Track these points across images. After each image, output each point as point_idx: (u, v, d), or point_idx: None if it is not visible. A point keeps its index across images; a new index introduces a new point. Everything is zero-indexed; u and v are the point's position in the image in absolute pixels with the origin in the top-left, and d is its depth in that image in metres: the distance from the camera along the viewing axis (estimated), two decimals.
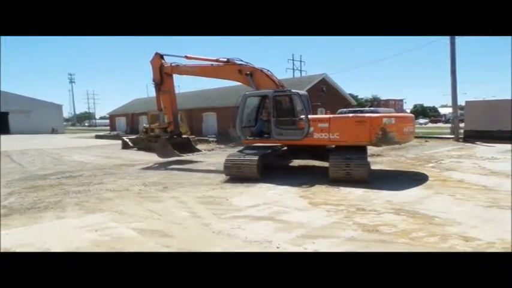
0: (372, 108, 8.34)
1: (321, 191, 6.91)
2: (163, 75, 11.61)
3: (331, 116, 8.38)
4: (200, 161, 12.40)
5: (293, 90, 8.95)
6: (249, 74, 9.71)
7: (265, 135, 9.22)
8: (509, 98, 17.63)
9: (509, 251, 3.74)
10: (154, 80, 11.88)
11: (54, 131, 46.52)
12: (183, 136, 13.26)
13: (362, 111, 8.11)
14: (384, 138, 7.71)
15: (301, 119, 8.48)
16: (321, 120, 8.35)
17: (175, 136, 12.28)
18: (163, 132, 12.55)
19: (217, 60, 10.59)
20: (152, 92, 16.28)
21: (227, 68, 10.38)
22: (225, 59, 10.39)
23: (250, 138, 9.51)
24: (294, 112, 8.75)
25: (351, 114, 8.01)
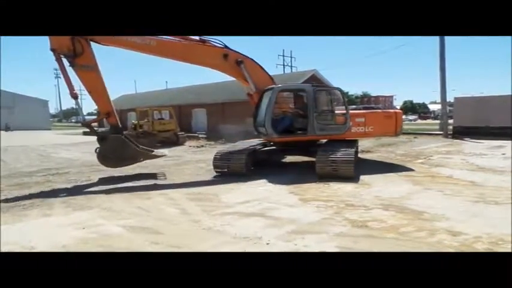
0: (381, 105, 9.30)
1: (311, 187, 6.92)
2: (77, 43, 7.05)
3: (366, 111, 9.48)
4: (189, 158, 12.31)
5: (334, 86, 9.82)
6: (241, 62, 8.39)
7: (299, 132, 8.83)
8: (497, 95, 17.95)
9: (505, 250, 3.73)
10: (55, 50, 7.00)
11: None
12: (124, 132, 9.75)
13: (373, 108, 9.15)
14: (402, 130, 8.94)
15: (344, 114, 8.77)
16: (358, 115, 8.95)
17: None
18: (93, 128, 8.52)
19: (186, 39, 8.01)
20: (141, 88, 14.87)
21: (207, 50, 8.20)
22: (197, 38, 8.04)
23: (282, 135, 8.75)
24: (332, 107, 9.09)
25: (379, 110, 9.08)
